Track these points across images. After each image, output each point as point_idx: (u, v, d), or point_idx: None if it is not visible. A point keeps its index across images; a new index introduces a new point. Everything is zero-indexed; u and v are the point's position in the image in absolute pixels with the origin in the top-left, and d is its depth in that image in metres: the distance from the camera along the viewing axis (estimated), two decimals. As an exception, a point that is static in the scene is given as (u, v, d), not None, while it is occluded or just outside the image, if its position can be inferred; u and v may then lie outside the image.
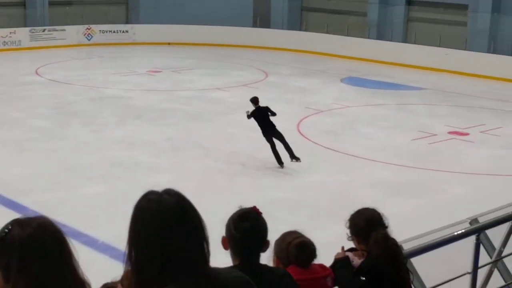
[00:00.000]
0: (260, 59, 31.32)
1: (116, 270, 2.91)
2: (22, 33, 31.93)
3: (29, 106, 20.61)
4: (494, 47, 29.60)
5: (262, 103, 15.71)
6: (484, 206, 8.41)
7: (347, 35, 33.53)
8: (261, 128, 15.41)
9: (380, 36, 33.14)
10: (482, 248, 5.98)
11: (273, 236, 3.62)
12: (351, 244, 4.42)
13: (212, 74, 27.26)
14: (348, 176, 14.85)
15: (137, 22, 35.93)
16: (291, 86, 24.96)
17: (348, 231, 4.36)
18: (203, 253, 2.41)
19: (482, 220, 6.07)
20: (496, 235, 6.29)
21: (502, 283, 6.50)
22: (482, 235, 5.92)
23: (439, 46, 30.22)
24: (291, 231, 3.77)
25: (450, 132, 18.83)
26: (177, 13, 34.78)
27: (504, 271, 6.55)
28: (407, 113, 21.45)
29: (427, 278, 5.68)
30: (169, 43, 34.91)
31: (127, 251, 2.39)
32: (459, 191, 14.09)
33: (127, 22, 36.27)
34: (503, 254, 6.22)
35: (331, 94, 23.96)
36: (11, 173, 14.27)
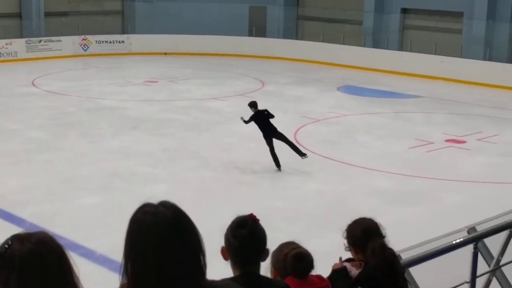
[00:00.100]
0: (256, 68, 31.35)
1: (113, 282, 2.89)
2: (18, 44, 31.93)
3: (26, 117, 20.58)
4: (489, 54, 29.66)
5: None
6: (482, 214, 8.42)
7: (343, 43, 33.61)
8: (262, 131, 15.58)
9: (376, 44, 33.20)
10: (480, 257, 5.97)
11: (270, 245, 3.60)
12: (349, 254, 4.41)
13: (208, 84, 27.27)
14: (345, 185, 14.85)
15: (133, 32, 35.97)
16: (288, 95, 24.98)
17: (345, 241, 4.35)
18: (200, 266, 2.40)
19: (480, 228, 6.07)
20: (494, 243, 6.27)
21: (501, 292, 6.49)
22: (480, 244, 5.91)
23: (435, 54, 30.27)
24: (288, 242, 3.76)
25: (447, 140, 18.84)
26: (173, 23, 34.83)
27: (502, 280, 6.53)
28: (403, 121, 21.46)
29: (425, 287, 5.67)
30: (165, 53, 34.94)
31: (123, 264, 2.38)
32: (457, 199, 14.08)
33: (123, 32, 36.31)
34: (501, 263, 6.21)
35: (327, 103, 23.97)
36: (7, 185, 14.24)
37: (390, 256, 4.04)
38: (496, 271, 6.32)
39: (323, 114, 21.97)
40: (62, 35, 33.38)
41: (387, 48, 32.59)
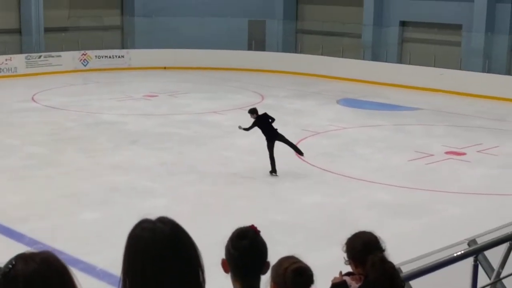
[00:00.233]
0: (255, 82, 31.39)
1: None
2: (18, 60, 31.99)
3: (25, 132, 20.59)
4: (489, 66, 29.72)
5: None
6: (482, 226, 8.41)
7: (342, 56, 33.69)
8: (266, 135, 16.11)
9: (375, 57, 33.27)
10: (480, 269, 5.95)
11: (270, 259, 3.59)
12: (349, 268, 4.40)
13: (208, 98, 27.31)
14: (345, 197, 14.84)
15: (133, 47, 36.05)
16: (287, 108, 25.00)
17: (345, 255, 4.34)
18: (198, 282, 2.39)
19: (480, 241, 6.06)
20: (494, 255, 6.26)
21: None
22: (480, 256, 5.90)
23: (434, 66, 30.35)
24: (288, 256, 3.74)
25: (447, 152, 18.84)
26: (172, 38, 34.92)
27: (503, 293, 6.52)
28: (403, 134, 21.47)
29: (426, 300, 5.65)
30: (165, 67, 35.01)
31: (121, 280, 2.37)
32: (457, 211, 14.06)
33: (122, 47, 36.39)
34: (501, 275, 6.19)
35: (327, 116, 23.99)
36: (7, 201, 14.23)
37: (390, 270, 4.03)
38: (496, 283, 6.30)
39: (323, 127, 21.99)
40: (62, 50, 33.47)
41: (386, 61, 32.65)
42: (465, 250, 5.74)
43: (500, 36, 30.13)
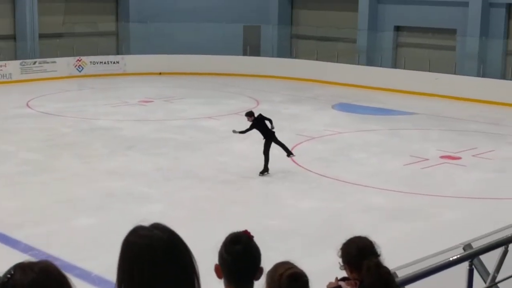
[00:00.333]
0: (251, 87, 31.42)
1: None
2: (12, 66, 31.96)
3: (21, 139, 20.56)
4: (483, 70, 29.79)
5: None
6: (477, 230, 8.41)
7: (337, 61, 33.73)
8: (264, 135, 16.56)
9: (370, 62, 33.34)
10: (476, 274, 5.96)
11: (265, 265, 3.60)
12: (344, 273, 4.40)
13: (203, 103, 27.31)
14: (340, 202, 14.84)
15: (128, 52, 36.04)
16: (282, 113, 25.00)
17: (340, 260, 4.34)
18: (193, 288, 2.39)
19: (476, 245, 6.06)
20: (490, 259, 6.27)
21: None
22: (476, 261, 5.91)
23: (429, 70, 30.41)
24: (283, 261, 3.74)
25: (442, 157, 18.86)
26: (167, 43, 34.93)
27: (498, 297, 6.53)
28: (398, 138, 21.50)
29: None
30: (160, 73, 35.01)
31: (117, 287, 2.37)
32: (452, 215, 14.08)
33: (117, 53, 36.39)
34: (497, 280, 6.20)
35: (322, 121, 24.01)
36: (2, 207, 14.20)
37: (385, 275, 4.03)
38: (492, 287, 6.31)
39: (318, 132, 22.01)
40: (56, 56, 33.43)
41: (381, 66, 32.71)
42: (461, 255, 5.74)
43: (494, 40, 30.22)
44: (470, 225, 12.82)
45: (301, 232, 12.87)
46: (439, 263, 5.38)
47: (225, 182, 16.15)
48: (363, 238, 4.35)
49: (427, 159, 18.50)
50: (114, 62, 34.88)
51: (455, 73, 30.18)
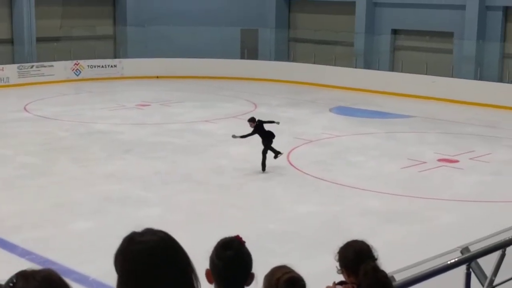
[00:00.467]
0: (248, 91, 31.42)
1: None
2: (10, 70, 31.93)
3: (18, 142, 20.54)
4: (480, 73, 29.83)
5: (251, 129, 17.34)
6: (475, 233, 8.42)
7: (335, 65, 33.75)
8: (264, 139, 17.14)
9: (367, 65, 33.37)
10: (473, 277, 5.96)
11: (263, 268, 3.60)
12: (341, 277, 4.40)
13: (201, 107, 27.32)
14: (338, 205, 14.84)
15: (125, 56, 36.04)
16: (280, 117, 24.86)
17: (337, 264, 4.34)
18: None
19: (473, 248, 6.06)
20: (487, 262, 6.27)
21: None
22: (473, 264, 5.91)
23: (426, 74, 30.44)
24: (280, 266, 3.74)
25: (439, 160, 18.88)
26: (164, 47, 34.94)
27: (496, 300, 6.52)
28: (396, 142, 21.51)
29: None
30: (157, 77, 35.01)
31: None
32: (450, 218, 14.09)
33: (115, 56, 36.38)
34: (494, 283, 6.20)
35: (320, 124, 24.02)
36: (0, 211, 14.18)
37: (383, 279, 4.03)
38: (489, 291, 6.32)
39: (316, 135, 22.02)
40: (54, 60, 33.41)
41: (378, 69, 32.76)
42: (458, 258, 5.74)
43: (491, 43, 30.27)
44: (468, 228, 12.82)
45: (299, 235, 12.87)
46: (436, 267, 5.38)
47: (223, 186, 16.15)
48: (360, 242, 4.35)
49: (425, 162, 18.52)
50: (111, 66, 34.87)
51: (452, 76, 30.23)
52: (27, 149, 19.73)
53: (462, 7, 30.48)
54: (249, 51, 36.59)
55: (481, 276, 6.18)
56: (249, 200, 15.22)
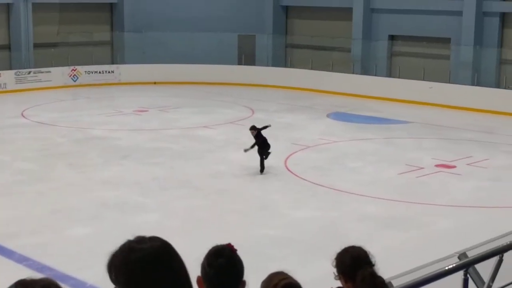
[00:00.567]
0: (246, 96, 31.44)
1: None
2: (7, 76, 31.92)
3: (15, 148, 20.53)
4: (477, 79, 29.87)
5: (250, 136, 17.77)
6: (473, 239, 8.43)
7: (332, 70, 33.79)
8: (259, 147, 17.49)
9: (365, 71, 33.41)
10: (471, 283, 5.97)
11: (260, 274, 3.60)
12: (339, 283, 4.40)
13: (198, 112, 27.32)
14: (336, 211, 14.84)
15: (123, 62, 36.04)
16: (278, 123, 24.98)
17: (335, 269, 4.34)
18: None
19: (471, 254, 6.07)
20: (485, 268, 6.28)
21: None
22: (471, 269, 5.91)
23: (423, 79, 30.47)
24: (277, 272, 3.73)
25: (437, 165, 18.89)
26: (162, 53, 34.96)
27: (494, 305, 6.52)
28: (393, 147, 21.52)
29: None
30: (155, 82, 35.02)
31: None
32: (447, 224, 14.09)
33: (112, 62, 36.38)
34: (492, 289, 6.21)
35: (317, 130, 24.04)
36: (-3, 217, 14.17)
37: (380, 285, 4.03)
38: (487, 296, 6.32)
39: (313, 140, 22.02)
40: (51, 66, 33.42)
41: (375, 75, 32.80)
42: (456, 264, 5.75)
43: (488, 49, 30.33)
44: (465, 234, 12.83)
45: (296, 241, 12.86)
46: (434, 272, 5.38)
47: (221, 191, 16.14)
48: (357, 247, 4.35)
49: (422, 168, 18.52)
50: (108, 72, 34.88)
51: (449, 82, 30.27)
52: (24, 155, 19.72)
53: (459, 13, 30.54)
54: (247, 57, 36.63)
55: (479, 281, 6.18)
56: (247, 205, 15.21)
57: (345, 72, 33.43)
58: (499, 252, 6.16)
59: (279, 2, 37.70)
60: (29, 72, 32.58)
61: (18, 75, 32.22)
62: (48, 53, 34.25)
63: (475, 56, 30.39)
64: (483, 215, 14.73)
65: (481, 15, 30.15)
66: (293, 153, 20.06)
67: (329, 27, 35.75)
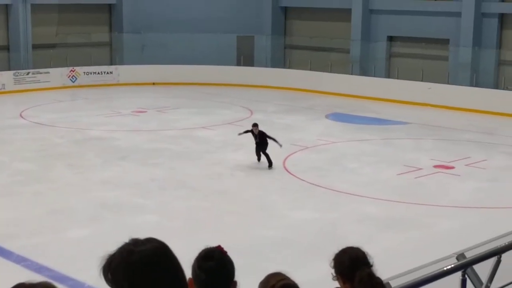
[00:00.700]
0: (244, 97, 31.44)
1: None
2: (6, 77, 31.91)
3: (14, 149, 20.52)
4: (476, 80, 29.90)
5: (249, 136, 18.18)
6: (472, 239, 8.43)
7: (331, 71, 33.80)
8: (258, 145, 18.10)
9: (363, 72, 33.43)
10: (469, 283, 5.97)
11: (258, 275, 3.60)
12: (337, 284, 4.40)
13: (197, 113, 27.32)
14: (334, 212, 14.84)
15: (122, 63, 36.04)
16: (276, 123, 25.02)
17: (333, 270, 4.34)
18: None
19: (469, 254, 6.07)
20: (483, 269, 6.28)
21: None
22: (469, 270, 5.91)
23: (422, 80, 30.49)
24: (275, 272, 3.73)
25: (435, 166, 18.89)
26: (160, 54, 34.96)
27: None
28: (392, 148, 21.52)
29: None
30: (153, 83, 35.02)
31: None
32: (446, 225, 14.09)
33: (111, 63, 36.39)
34: (490, 290, 6.21)
35: (316, 130, 24.04)
36: (-4, 218, 14.16)
37: (378, 286, 4.03)
38: (485, 297, 6.32)
39: (312, 141, 22.03)
40: (50, 67, 33.41)
41: (374, 76, 32.82)
42: (454, 264, 5.75)
43: (487, 50, 30.35)
44: (464, 234, 12.83)
45: (295, 242, 12.86)
46: (432, 273, 5.38)
47: (220, 192, 16.14)
48: (355, 248, 4.35)
49: (421, 169, 18.53)
50: (107, 73, 34.87)
51: (448, 83, 30.29)
52: (23, 155, 19.71)
53: (458, 14, 30.57)
54: (245, 58, 36.64)
55: (477, 282, 6.18)
56: (246, 206, 15.21)
57: (344, 73, 33.44)
58: (497, 252, 6.16)
59: (278, 3, 37.72)
60: (28, 73, 32.57)
61: (17, 75, 32.21)
62: (47, 54, 34.24)
63: (474, 57, 30.41)
64: (482, 216, 14.74)
65: (480, 16, 30.17)
66: (292, 153, 20.06)
67: (328, 28, 35.77)
